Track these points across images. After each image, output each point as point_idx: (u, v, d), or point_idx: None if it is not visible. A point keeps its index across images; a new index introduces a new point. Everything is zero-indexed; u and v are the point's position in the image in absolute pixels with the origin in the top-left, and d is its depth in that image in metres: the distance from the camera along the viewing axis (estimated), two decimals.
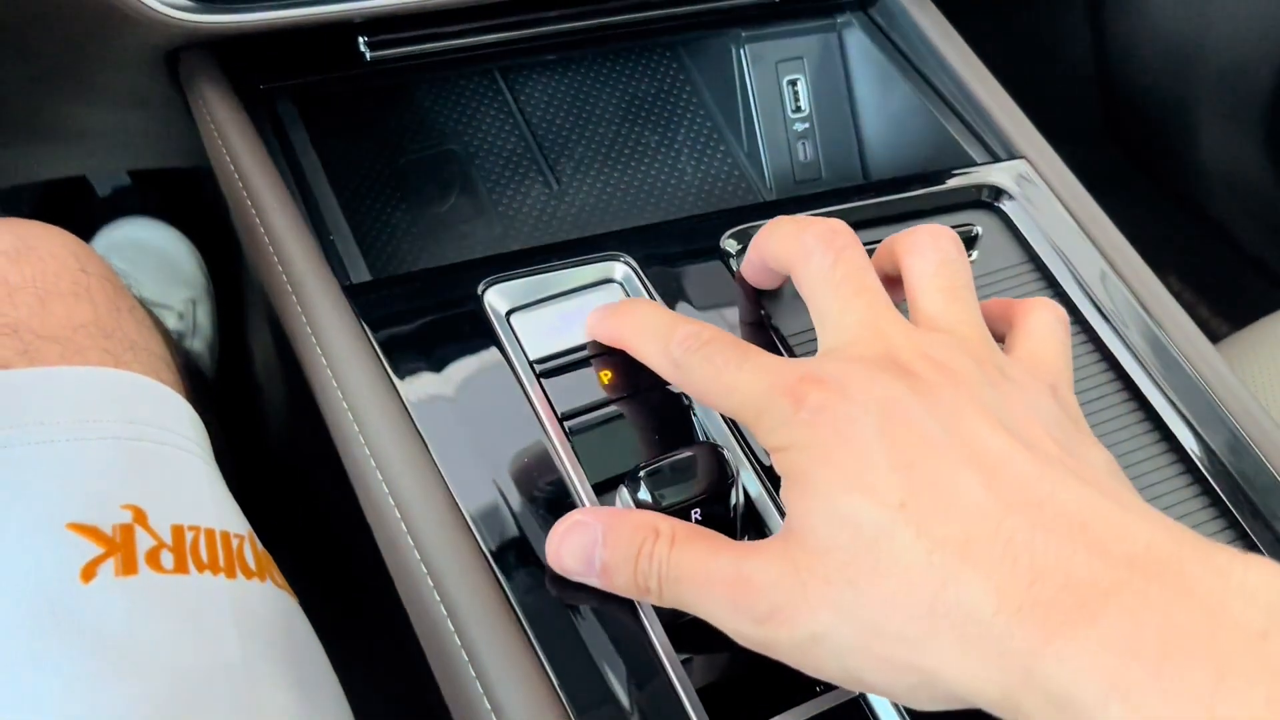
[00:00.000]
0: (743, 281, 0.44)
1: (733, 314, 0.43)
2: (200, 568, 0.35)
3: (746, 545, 0.32)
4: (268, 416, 0.90)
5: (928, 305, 0.36)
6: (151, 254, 0.98)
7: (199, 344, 0.96)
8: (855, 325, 0.34)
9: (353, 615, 0.57)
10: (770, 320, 0.43)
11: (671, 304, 0.43)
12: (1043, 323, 0.37)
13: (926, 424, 0.30)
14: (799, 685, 0.36)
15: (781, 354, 0.43)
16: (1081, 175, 0.51)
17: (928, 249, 0.37)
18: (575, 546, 0.34)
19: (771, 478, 0.39)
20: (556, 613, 0.35)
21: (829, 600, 0.29)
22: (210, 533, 0.37)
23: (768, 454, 0.33)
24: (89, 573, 0.33)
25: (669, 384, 0.41)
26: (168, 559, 0.35)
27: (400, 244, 0.54)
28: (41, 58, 0.52)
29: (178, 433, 0.39)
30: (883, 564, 0.29)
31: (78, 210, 1.02)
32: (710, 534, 0.33)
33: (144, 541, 0.34)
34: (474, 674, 0.35)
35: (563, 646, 0.35)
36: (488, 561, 0.36)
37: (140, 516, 0.35)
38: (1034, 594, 0.27)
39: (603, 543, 0.34)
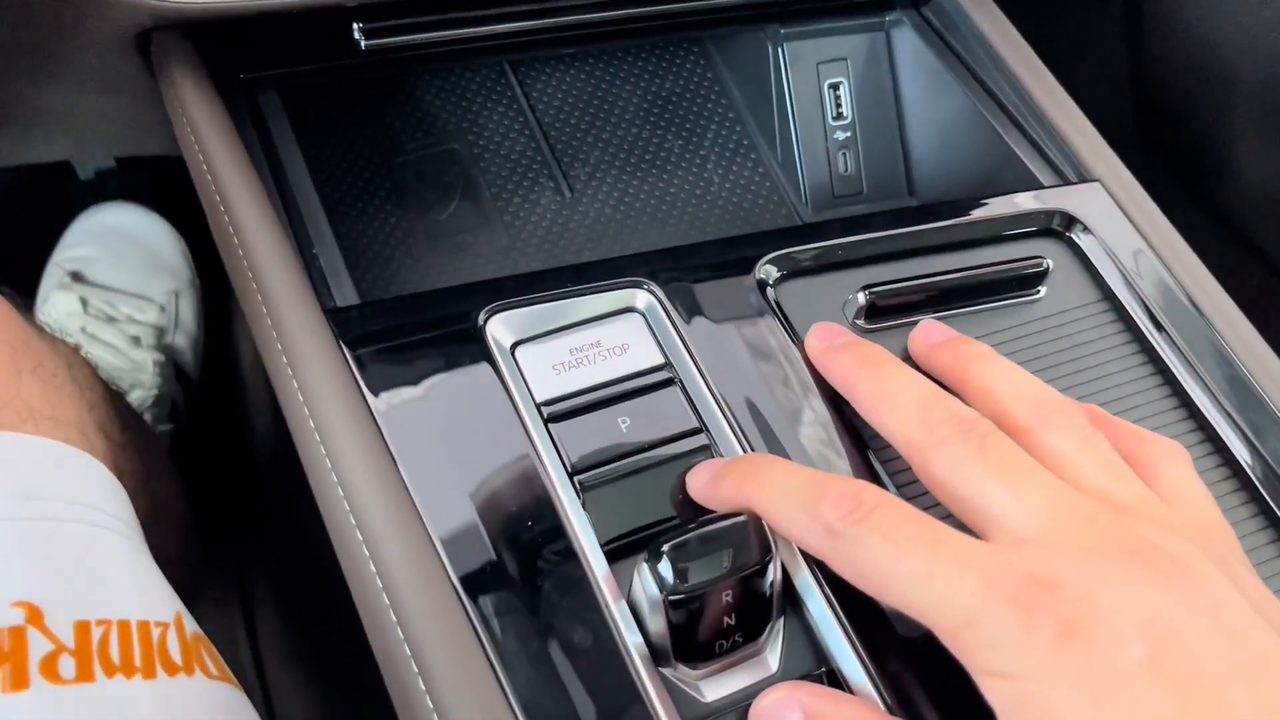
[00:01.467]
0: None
1: (775, 361, 0.38)
2: (110, 671, 0.31)
3: None
4: (251, 417, 0.86)
5: (1096, 485, 0.31)
6: (133, 242, 0.95)
7: (181, 339, 0.92)
8: (1046, 508, 0.29)
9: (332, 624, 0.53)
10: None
11: (700, 337, 0.38)
12: (1187, 479, 0.33)
13: (1205, 649, 0.25)
14: None
15: (837, 431, 0.37)
16: None
17: (1062, 424, 0.32)
18: None
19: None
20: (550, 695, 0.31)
21: None
22: (124, 625, 0.32)
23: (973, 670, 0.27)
24: None
25: (696, 435, 0.36)
26: (67, 666, 0.30)
27: (393, 255, 0.49)
28: (1, 34, 0.47)
29: (88, 505, 0.35)
30: None
31: (59, 194, 0.98)
32: None
33: (38, 647, 0.30)
34: None
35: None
36: (481, 643, 0.32)
37: (34, 616, 0.30)
38: None
39: None
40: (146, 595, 0.34)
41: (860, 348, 0.36)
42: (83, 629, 0.31)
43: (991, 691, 0.26)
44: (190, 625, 0.35)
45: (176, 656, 0.33)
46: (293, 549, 0.76)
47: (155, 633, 0.33)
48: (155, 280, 0.93)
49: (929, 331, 0.38)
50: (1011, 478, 0.29)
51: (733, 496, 0.33)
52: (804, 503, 0.30)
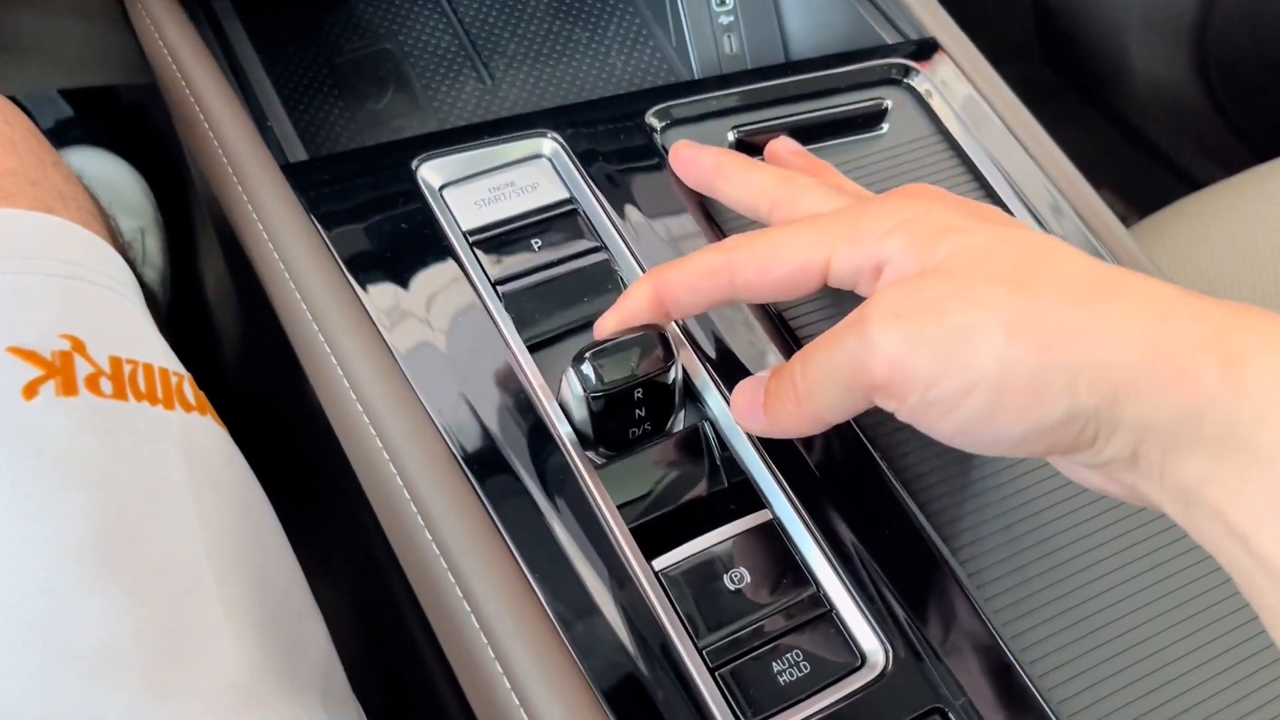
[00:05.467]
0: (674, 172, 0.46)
1: (660, 193, 0.46)
2: (139, 397, 0.36)
3: None
4: (222, 343, 0.92)
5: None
6: (97, 184, 0.97)
7: (151, 273, 0.96)
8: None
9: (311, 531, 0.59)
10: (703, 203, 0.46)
11: (598, 176, 0.45)
12: None
13: (939, 211, 0.34)
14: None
15: (715, 225, 0.45)
16: (1017, 92, 0.53)
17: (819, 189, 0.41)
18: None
19: (711, 360, 0.42)
20: (502, 466, 0.38)
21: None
22: (149, 367, 0.38)
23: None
24: (31, 391, 0.33)
25: (598, 252, 0.43)
26: (107, 385, 0.35)
27: (338, 140, 0.55)
28: None
29: (112, 277, 0.40)
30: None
31: None
32: None
33: (83, 368, 0.35)
34: (430, 539, 0.37)
35: (510, 495, 0.37)
36: (428, 415, 0.39)
37: (79, 345, 0.35)
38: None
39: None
40: (164, 353, 0.40)
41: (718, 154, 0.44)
42: (116, 362, 0.36)
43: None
44: (198, 388, 0.41)
45: (192, 400, 0.39)
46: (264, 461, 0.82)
47: (174, 379, 0.39)
48: (122, 219, 0.97)
49: (786, 143, 0.47)
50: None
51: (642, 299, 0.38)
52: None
